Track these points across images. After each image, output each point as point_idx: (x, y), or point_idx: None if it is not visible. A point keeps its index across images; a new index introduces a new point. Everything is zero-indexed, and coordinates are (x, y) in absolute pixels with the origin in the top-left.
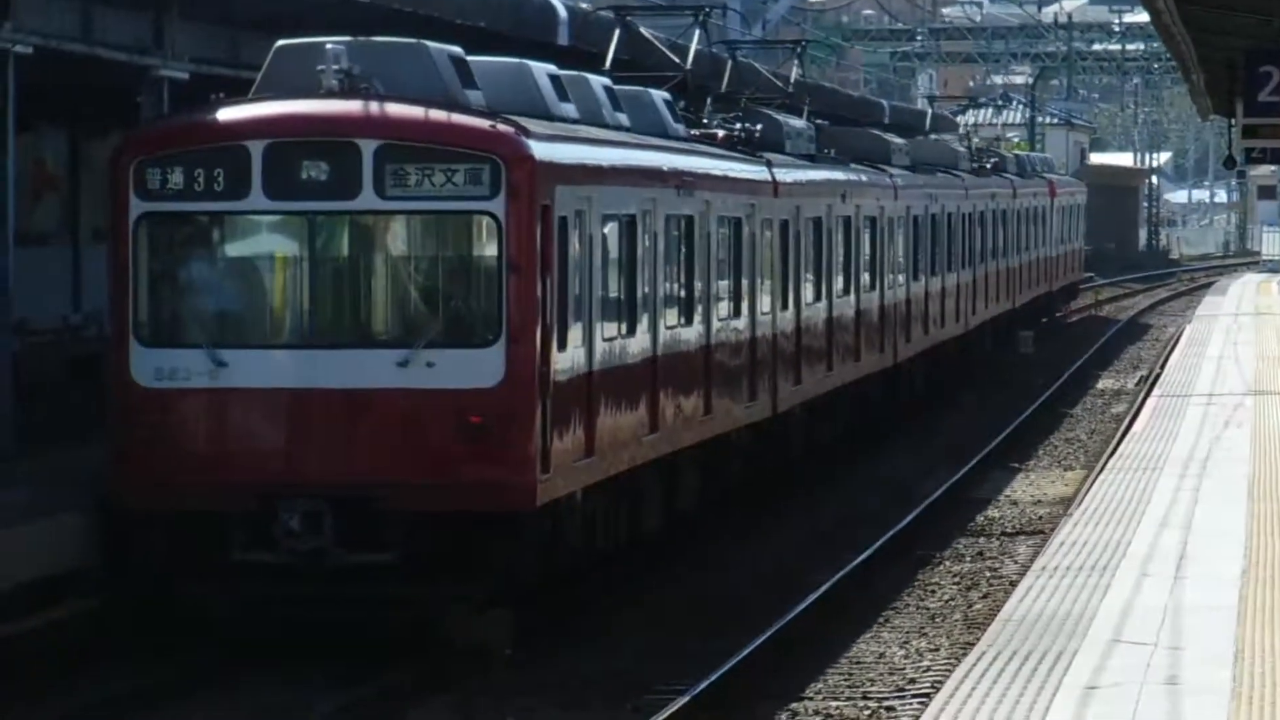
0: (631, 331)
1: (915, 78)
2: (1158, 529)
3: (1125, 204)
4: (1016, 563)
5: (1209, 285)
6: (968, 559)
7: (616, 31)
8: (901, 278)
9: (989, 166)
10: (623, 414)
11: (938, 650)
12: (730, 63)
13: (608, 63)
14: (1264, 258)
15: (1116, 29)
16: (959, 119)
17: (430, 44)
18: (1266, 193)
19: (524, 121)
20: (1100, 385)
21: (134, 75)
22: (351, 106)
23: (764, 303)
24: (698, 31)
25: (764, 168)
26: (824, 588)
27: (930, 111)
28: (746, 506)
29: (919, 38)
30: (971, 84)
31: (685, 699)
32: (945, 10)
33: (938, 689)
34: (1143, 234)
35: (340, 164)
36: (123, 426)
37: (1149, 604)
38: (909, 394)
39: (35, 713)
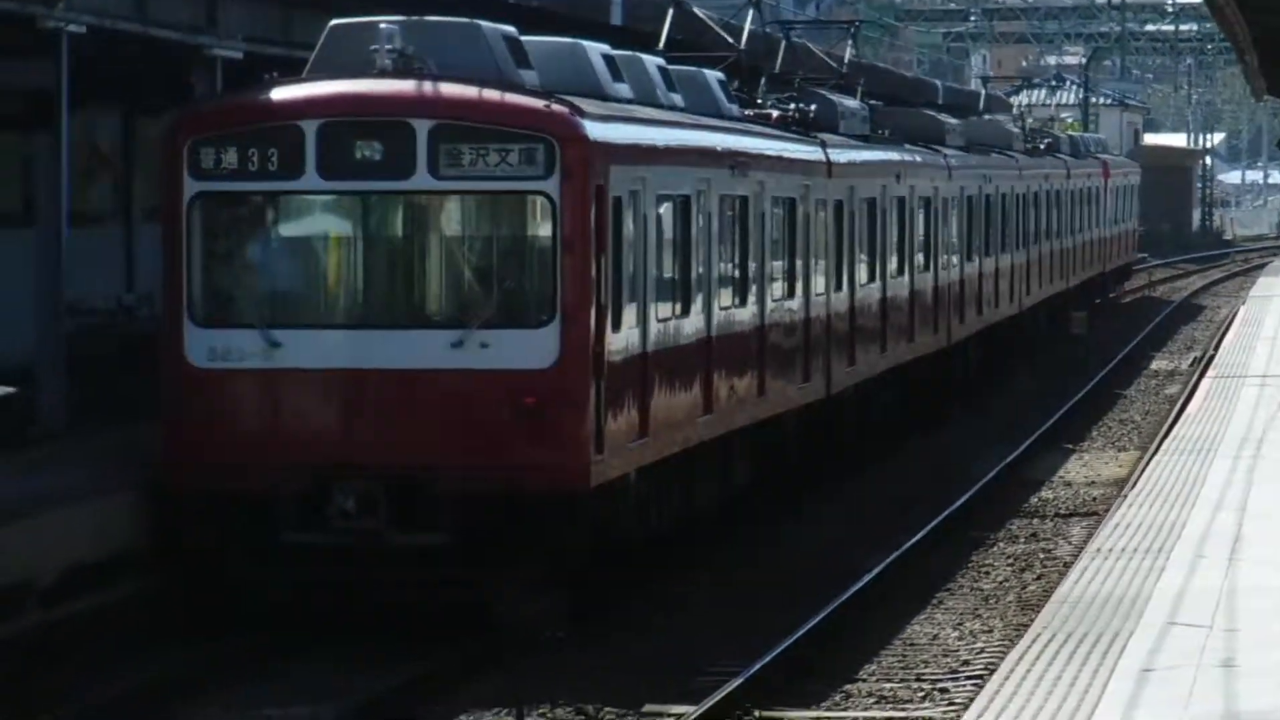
0: (686, 312)
1: (969, 58)
2: (1212, 511)
3: (1179, 185)
4: (1070, 544)
5: (1263, 266)
6: (1021, 540)
7: (670, 12)
8: (955, 258)
9: (1043, 147)
10: (677, 395)
11: (991, 632)
12: (784, 43)
13: (661, 43)
14: None
15: (1170, 10)
16: (1012, 100)
17: (484, 24)
18: None
19: (578, 101)
20: (1154, 366)
21: (187, 55)
22: (405, 86)
23: (818, 283)
24: (751, 12)
25: (818, 148)
26: (878, 569)
27: (984, 92)
28: (800, 487)
29: (972, 18)
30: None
31: (738, 680)
32: None
33: (991, 671)
34: (1196, 215)
35: (394, 144)
36: (176, 407)
37: (1204, 586)
38: (963, 374)
39: (85, 696)
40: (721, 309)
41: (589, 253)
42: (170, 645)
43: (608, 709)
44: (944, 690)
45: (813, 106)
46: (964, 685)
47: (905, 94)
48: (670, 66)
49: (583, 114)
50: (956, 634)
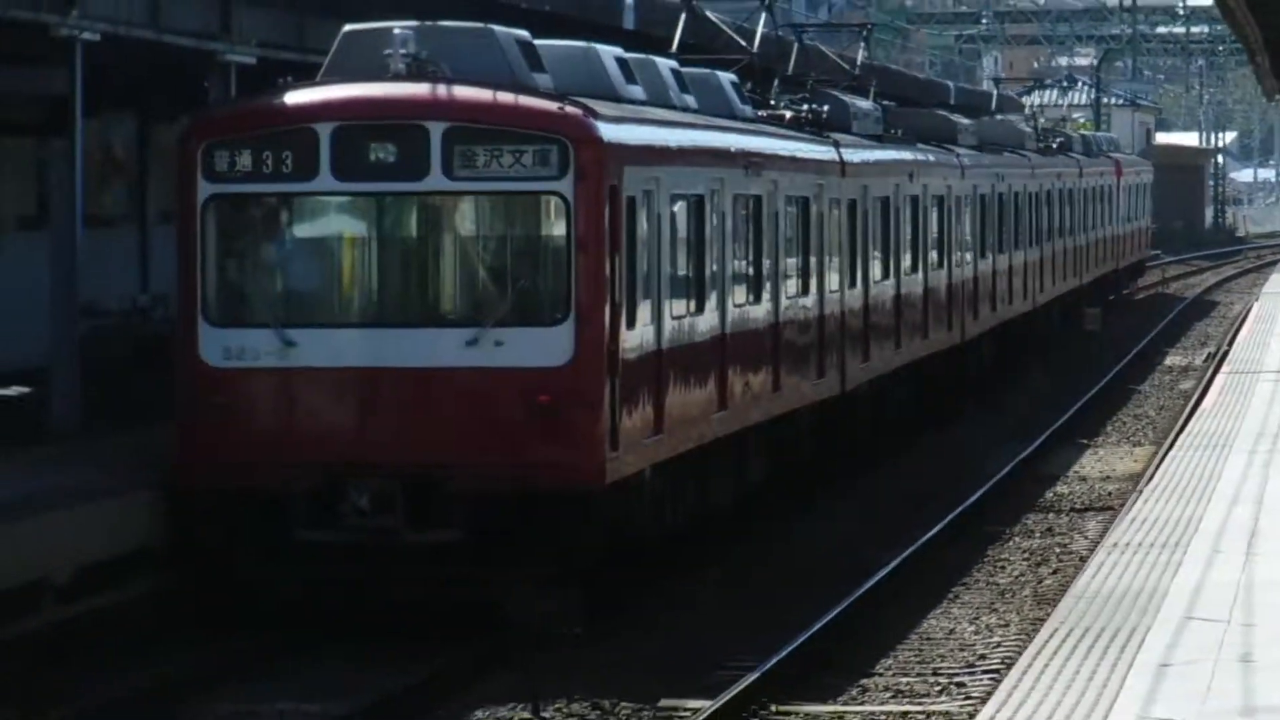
0: (700, 310)
1: (980, 60)
2: (1228, 505)
3: (1191, 183)
4: (1086, 539)
5: (1275, 263)
6: (1037, 535)
7: (682, 15)
8: (969, 256)
9: (1055, 146)
10: (691, 392)
11: (1008, 626)
12: (796, 46)
13: (674, 46)
14: None
15: (1181, 12)
16: (1024, 100)
17: (497, 28)
18: None
19: (591, 103)
20: (1168, 362)
21: (201, 60)
22: (419, 89)
23: (832, 281)
24: (763, 15)
25: (831, 148)
26: (893, 563)
27: (996, 93)
28: (815, 483)
29: (984, 20)
30: (1036, 65)
31: (755, 675)
32: None
33: (1008, 665)
34: (1209, 212)
35: (408, 146)
36: (190, 406)
37: (1221, 580)
38: (977, 370)
39: (98, 693)
40: (736, 306)
41: (603, 252)
42: (182, 643)
43: (624, 704)
44: (960, 684)
45: (825, 107)
46: (981, 679)
47: (918, 95)
48: (683, 69)
49: (596, 115)
50: (973, 628)
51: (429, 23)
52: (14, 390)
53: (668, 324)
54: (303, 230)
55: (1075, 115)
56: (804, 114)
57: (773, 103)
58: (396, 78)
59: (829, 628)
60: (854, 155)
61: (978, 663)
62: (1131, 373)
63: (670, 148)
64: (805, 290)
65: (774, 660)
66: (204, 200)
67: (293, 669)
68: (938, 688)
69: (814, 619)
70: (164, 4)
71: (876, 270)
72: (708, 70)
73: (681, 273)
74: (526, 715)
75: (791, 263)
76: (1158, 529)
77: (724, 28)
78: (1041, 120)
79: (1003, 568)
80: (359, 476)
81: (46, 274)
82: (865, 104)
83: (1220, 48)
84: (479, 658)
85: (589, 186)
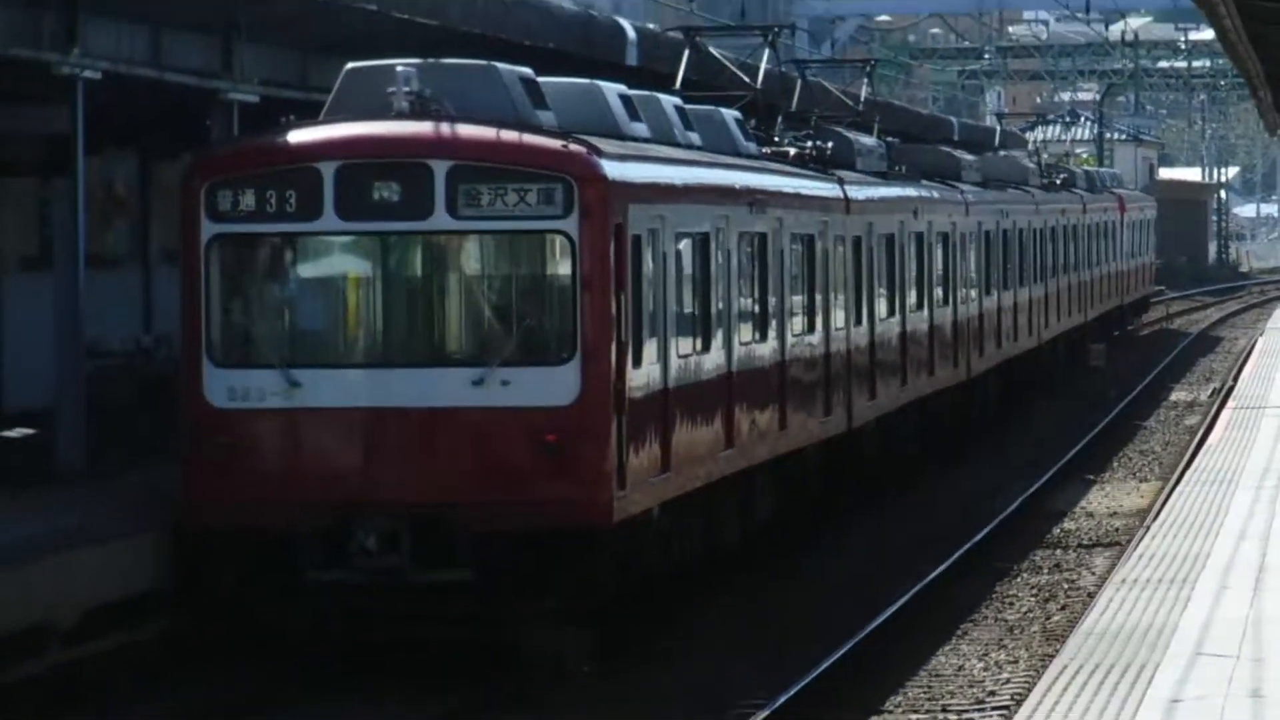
0: (706, 348)
1: (983, 95)
2: (1236, 541)
3: (1194, 218)
4: (1094, 575)
5: (1279, 298)
6: (1045, 571)
7: (686, 52)
8: (974, 292)
9: (1059, 182)
10: (698, 429)
11: (1017, 663)
12: (800, 82)
13: (678, 82)
14: None
15: (1183, 47)
16: (1027, 135)
17: (500, 65)
18: None
19: (596, 141)
20: (1174, 397)
21: (203, 98)
22: (423, 128)
23: (838, 318)
24: (767, 51)
25: (836, 185)
26: (901, 600)
27: (999, 128)
28: (822, 520)
29: (986, 56)
30: (1039, 100)
31: (764, 713)
32: (1012, 29)
33: (1017, 701)
34: (1212, 248)
35: (412, 185)
36: (195, 447)
37: (1230, 616)
38: (983, 407)
39: None
40: (742, 344)
41: (608, 290)
42: (189, 682)
43: None
44: None
45: (830, 144)
46: (990, 716)
47: (921, 131)
48: (687, 106)
49: (600, 153)
50: (982, 664)
51: (432, 60)
52: (18, 431)
53: (674, 362)
54: (307, 270)
55: (1078, 150)
56: (808, 151)
57: (776, 139)
58: (400, 116)
59: (838, 665)
60: (858, 192)
61: (987, 699)
62: (1137, 408)
63: (675, 185)
64: (811, 328)
65: (783, 698)
66: (208, 240)
67: (306, 708)
68: None
69: (823, 656)
70: (166, 42)
71: (882, 307)
72: (711, 107)
73: (687, 311)
74: None
75: (797, 300)
76: (1165, 565)
77: (727, 64)
78: (1045, 156)
79: (1011, 604)
80: (365, 516)
81: (50, 314)
82: (869, 140)
83: (1222, 82)
84: (494, 696)
85: (594, 225)
